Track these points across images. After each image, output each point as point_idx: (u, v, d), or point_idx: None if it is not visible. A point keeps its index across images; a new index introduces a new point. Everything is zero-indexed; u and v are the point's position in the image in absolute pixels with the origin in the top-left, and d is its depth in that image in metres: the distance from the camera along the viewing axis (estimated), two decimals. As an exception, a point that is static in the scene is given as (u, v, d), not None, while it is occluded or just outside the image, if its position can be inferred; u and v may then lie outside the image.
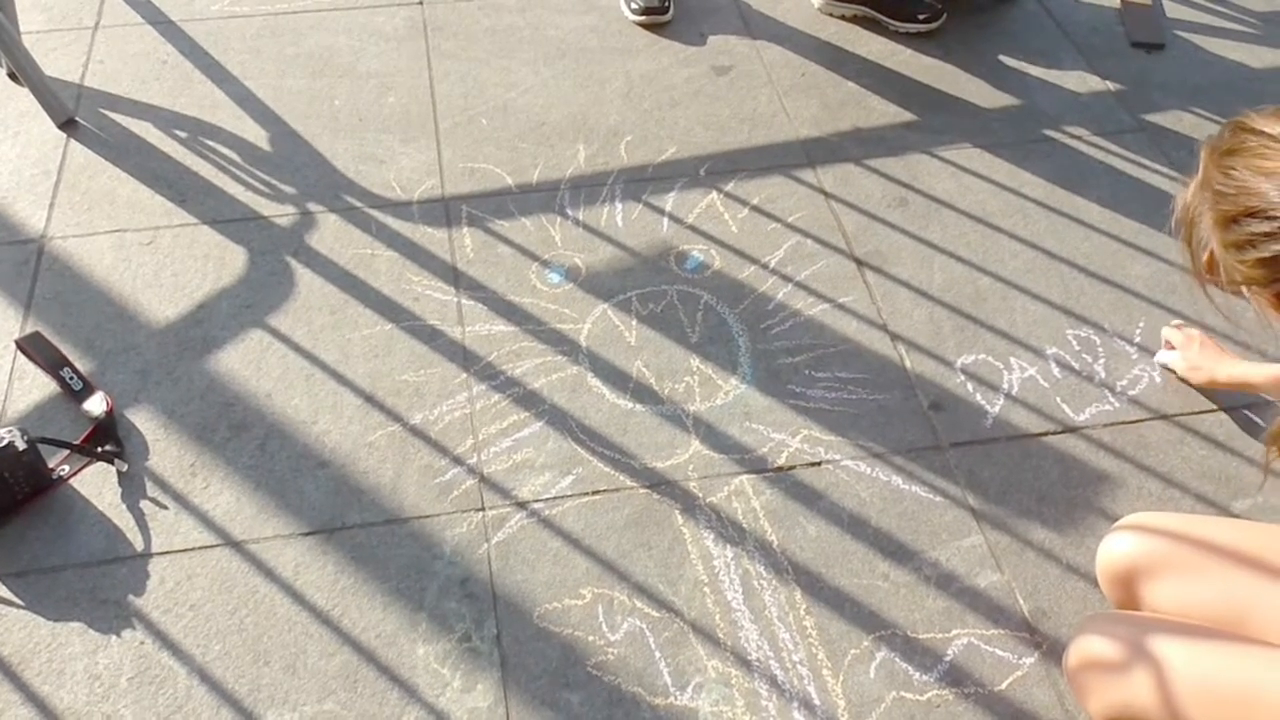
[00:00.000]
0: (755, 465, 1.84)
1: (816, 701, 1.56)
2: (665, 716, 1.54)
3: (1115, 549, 1.53)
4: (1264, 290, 1.20)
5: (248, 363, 1.95)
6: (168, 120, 2.42)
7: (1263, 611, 1.38)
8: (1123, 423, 1.93)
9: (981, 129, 2.51)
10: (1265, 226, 1.17)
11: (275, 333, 2.00)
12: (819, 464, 1.85)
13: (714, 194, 2.32)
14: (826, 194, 2.33)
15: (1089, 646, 1.44)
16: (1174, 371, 1.99)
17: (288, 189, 2.28)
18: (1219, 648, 1.34)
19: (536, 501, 1.77)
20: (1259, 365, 1.90)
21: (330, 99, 2.50)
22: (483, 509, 1.76)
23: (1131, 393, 1.98)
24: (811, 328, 2.06)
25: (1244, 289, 1.23)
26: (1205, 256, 1.27)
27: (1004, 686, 1.59)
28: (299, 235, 2.18)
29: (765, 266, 2.17)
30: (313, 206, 2.24)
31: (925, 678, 1.60)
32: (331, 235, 2.19)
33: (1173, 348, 2.01)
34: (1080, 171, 2.41)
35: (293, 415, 1.88)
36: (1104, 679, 1.40)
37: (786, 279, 2.15)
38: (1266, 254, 1.17)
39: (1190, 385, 1.97)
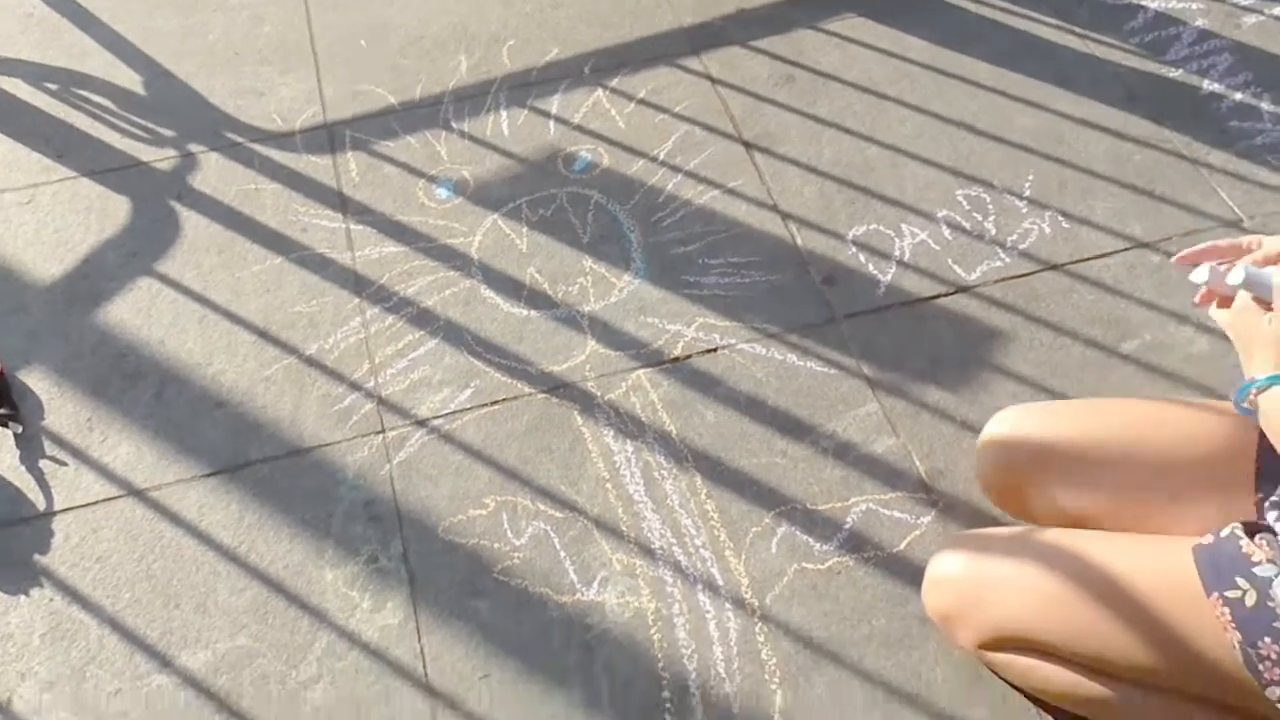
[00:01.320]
0: (651, 358, 1.85)
1: (720, 582, 1.60)
2: (573, 612, 1.57)
3: (987, 471, 1.52)
4: None
5: (138, 312, 1.93)
6: (37, 74, 2.36)
7: (1148, 498, 1.37)
8: (1014, 277, 1.94)
9: (867, -4, 2.47)
10: None
11: (164, 279, 1.98)
12: (714, 350, 1.86)
13: (599, 91, 2.29)
14: (713, 80, 2.30)
15: (939, 583, 1.44)
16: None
17: (166, 132, 2.23)
18: (1069, 550, 1.33)
19: (436, 418, 1.78)
20: None
21: (203, 34, 2.44)
22: (383, 431, 1.77)
23: (1022, 246, 1.99)
24: (703, 216, 2.05)
25: None
26: None
27: (903, 546, 1.63)
28: (181, 178, 2.14)
29: (654, 159, 2.15)
30: (193, 147, 2.20)
31: (826, 547, 1.63)
32: (214, 174, 2.15)
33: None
34: (966, 30, 2.39)
35: (187, 359, 1.87)
36: (966, 608, 1.40)
37: (676, 169, 2.13)
38: None
39: None
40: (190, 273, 1.99)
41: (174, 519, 1.68)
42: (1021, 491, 1.47)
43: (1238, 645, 1.20)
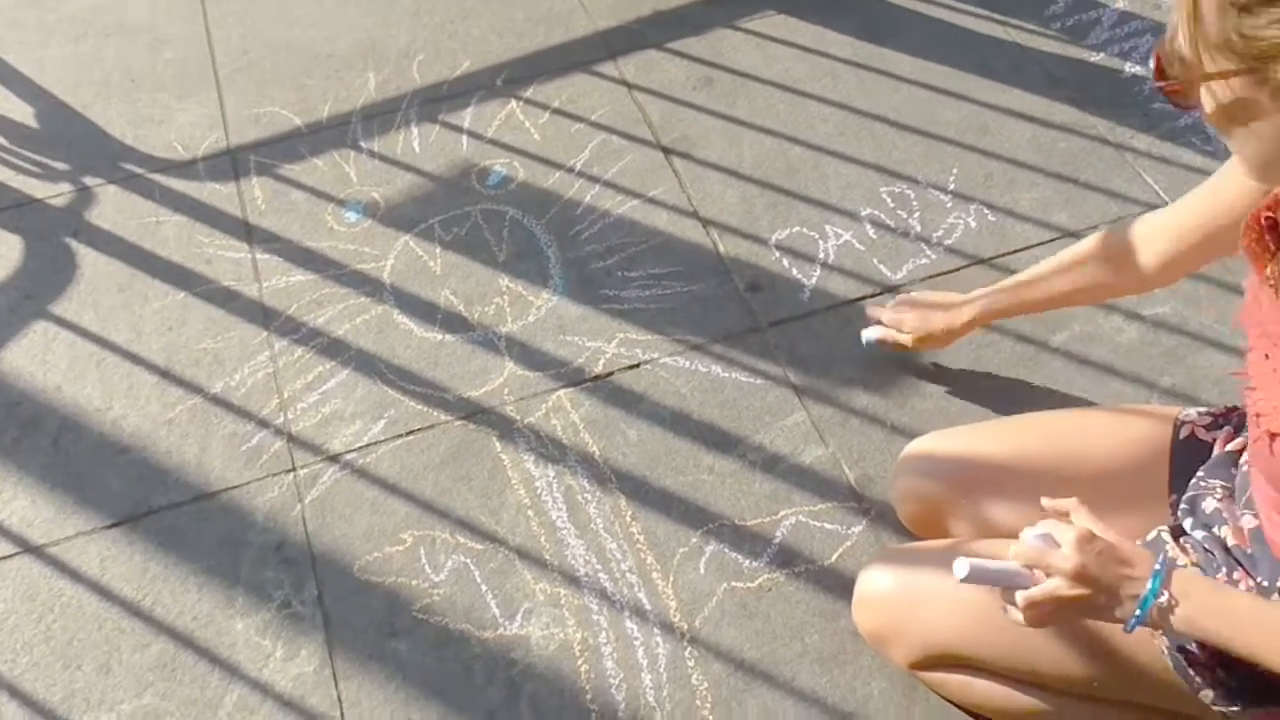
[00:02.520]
0: (572, 377, 1.79)
1: (648, 606, 1.54)
2: (495, 648, 1.51)
3: (904, 493, 1.49)
4: None
5: (33, 357, 1.85)
6: (-75, 112, 2.27)
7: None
8: (940, 274, 1.90)
9: (784, -7, 2.42)
10: None
11: (60, 321, 1.90)
12: (637, 366, 1.80)
13: (513, 103, 2.22)
14: (629, 85, 2.24)
15: (869, 602, 1.38)
16: (897, 343, 1.69)
17: (61, 166, 2.15)
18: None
19: (349, 452, 1.71)
20: (987, 290, 1.60)
21: (99, 62, 2.35)
22: (294, 469, 1.70)
23: (948, 242, 1.95)
24: (622, 226, 1.99)
25: (1237, 86, 0.88)
26: (1188, 43, 0.90)
27: (834, 559, 1.58)
28: (77, 213, 2.06)
29: (571, 170, 2.09)
30: (90, 180, 2.12)
31: (755, 564, 1.58)
32: (112, 208, 2.07)
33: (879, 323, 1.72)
34: (886, 23, 2.34)
35: (86, 404, 1.79)
36: (897, 627, 1.35)
37: (594, 180, 2.07)
38: None
39: (921, 348, 1.69)
40: (88, 313, 1.91)
41: (74, 575, 1.60)
42: (940, 513, 1.42)
43: (1167, 651, 1.16)
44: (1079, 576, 1.06)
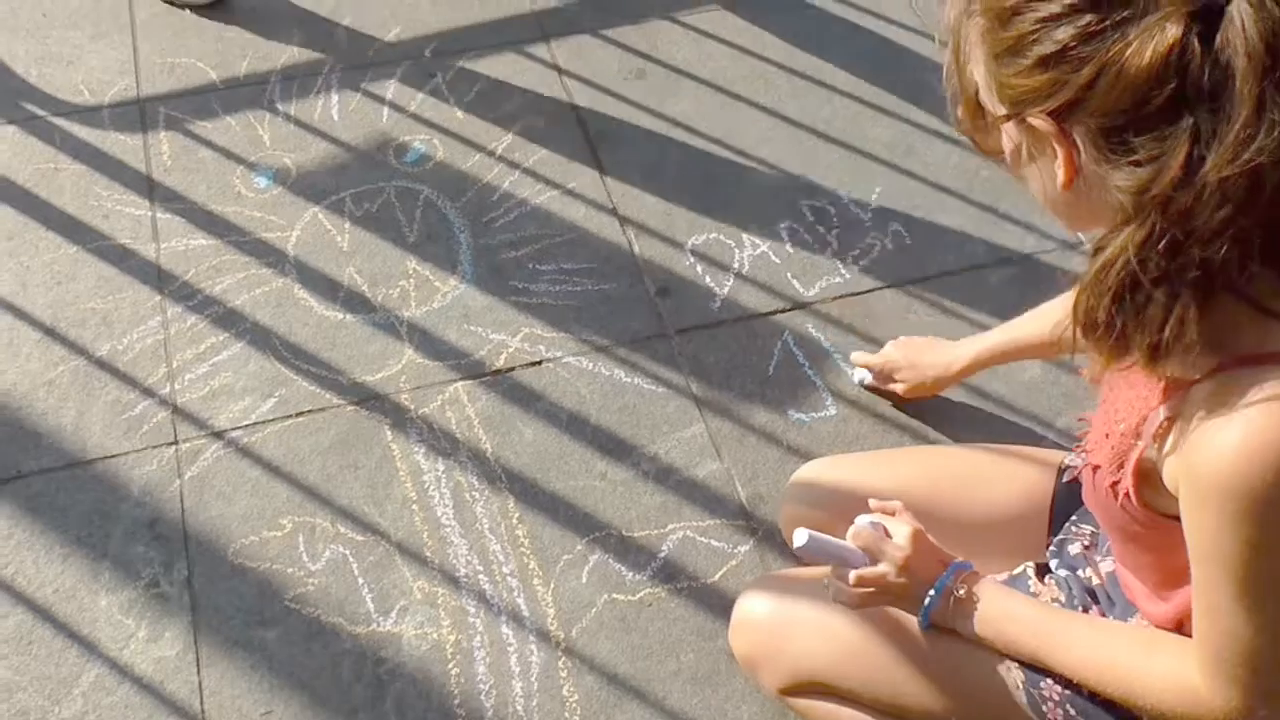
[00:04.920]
0: (472, 370, 1.76)
1: (526, 613, 1.52)
2: (367, 645, 1.48)
3: (789, 530, 1.43)
4: (1041, 110, 0.84)
5: (-91, 302, 1.77)
6: None
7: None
8: (852, 294, 1.90)
9: (727, -12, 2.39)
10: (1049, 8, 0.82)
11: (-58, 265, 1.82)
12: (539, 363, 1.78)
13: (439, 77, 2.17)
14: (560, 70, 2.20)
15: (743, 626, 1.37)
16: (889, 391, 1.72)
17: (-42, 100, 2.05)
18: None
19: (235, 429, 1.67)
20: (977, 340, 1.60)
21: (9, -7, 2.25)
22: (175, 443, 1.65)
23: (863, 262, 1.94)
24: (538, 217, 1.96)
25: (1013, 132, 0.90)
26: (968, 95, 0.93)
27: (717, 577, 1.57)
28: (-30, 153, 1.97)
29: (492, 154, 2.05)
30: (-13, 118, 2.03)
31: (638, 576, 1.57)
32: (8, 150, 1.98)
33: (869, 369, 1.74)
34: (825, 32, 2.32)
35: (-39, 357, 1.72)
36: (769, 652, 1.33)
37: (514, 166, 2.03)
38: (1049, 47, 0.82)
39: (913, 398, 1.71)
40: (-27, 260, 1.83)
41: (-68, 537, 1.54)
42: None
43: (1021, 686, 1.18)
44: (905, 568, 1.16)
